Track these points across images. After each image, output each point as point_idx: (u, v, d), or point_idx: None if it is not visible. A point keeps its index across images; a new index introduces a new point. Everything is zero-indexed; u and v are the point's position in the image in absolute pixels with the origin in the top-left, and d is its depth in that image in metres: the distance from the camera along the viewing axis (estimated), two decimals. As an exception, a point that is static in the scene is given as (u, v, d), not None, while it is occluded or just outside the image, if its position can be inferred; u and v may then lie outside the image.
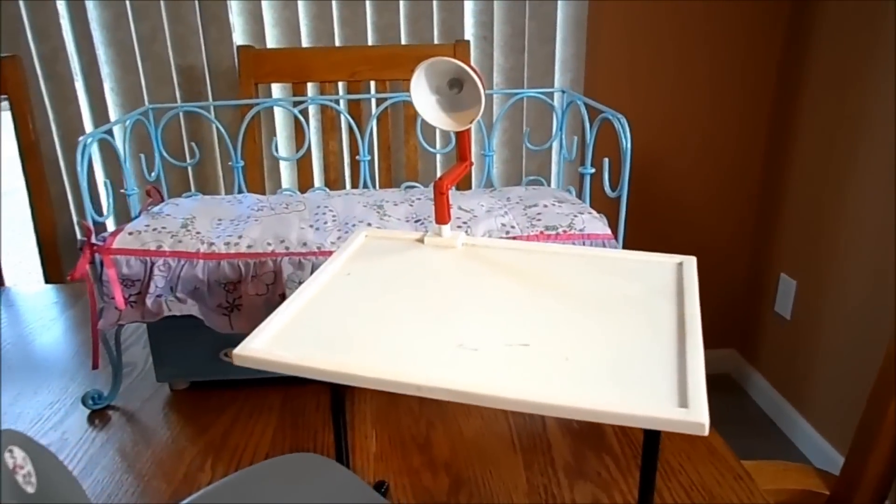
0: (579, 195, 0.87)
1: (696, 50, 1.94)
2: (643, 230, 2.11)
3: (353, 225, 0.75)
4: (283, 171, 1.82)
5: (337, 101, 1.49)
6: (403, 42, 1.74)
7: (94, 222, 0.72)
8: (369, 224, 0.75)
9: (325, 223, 0.76)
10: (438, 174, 1.84)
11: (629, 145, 0.71)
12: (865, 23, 1.68)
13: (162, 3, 1.62)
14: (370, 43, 1.73)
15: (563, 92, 0.91)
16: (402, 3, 1.71)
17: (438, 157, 1.84)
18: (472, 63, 1.76)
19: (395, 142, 1.73)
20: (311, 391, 0.79)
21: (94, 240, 0.71)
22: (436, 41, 1.74)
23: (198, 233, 0.74)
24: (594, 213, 0.78)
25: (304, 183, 1.59)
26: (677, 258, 0.54)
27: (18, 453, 0.29)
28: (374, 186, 1.19)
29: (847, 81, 1.75)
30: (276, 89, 1.73)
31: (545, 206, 0.79)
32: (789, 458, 1.93)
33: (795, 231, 1.99)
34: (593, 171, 0.84)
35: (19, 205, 1.42)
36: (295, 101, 1.12)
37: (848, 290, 1.78)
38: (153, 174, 0.89)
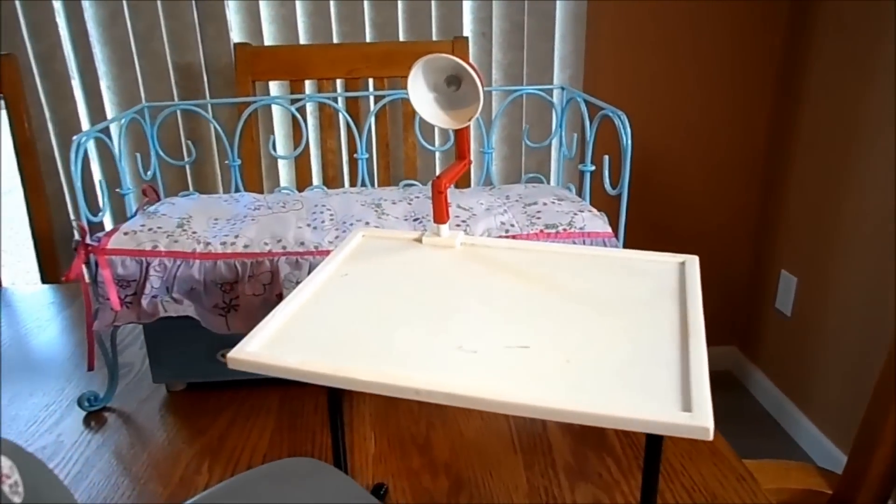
0: (579, 193, 0.86)
1: (696, 46, 1.93)
2: (643, 227, 2.10)
3: (351, 224, 0.74)
4: (282, 169, 1.81)
5: (335, 99, 1.48)
6: (402, 39, 1.73)
7: (90, 222, 0.71)
8: (367, 223, 0.74)
9: (323, 222, 0.75)
10: (437, 172, 1.84)
11: (630, 142, 0.71)
12: (866, 20, 1.67)
13: (158, 0, 1.61)
14: (368, 40, 1.72)
15: (563, 89, 0.91)
16: (400, 0, 1.69)
17: (437, 154, 1.83)
18: (471, 60, 1.75)
19: (394, 139, 1.72)
20: (310, 392, 0.78)
21: (88, 240, 0.70)
22: (434, 38, 1.73)
23: (194, 232, 0.73)
24: (594, 211, 0.77)
25: (303, 181, 1.58)
26: (679, 258, 0.53)
27: (5, 462, 0.29)
28: (372, 184, 1.18)
29: (848, 78, 1.74)
30: (274, 87, 1.72)
31: (545, 204, 0.78)
32: (790, 456, 1.92)
33: (796, 227, 1.98)
34: (593, 168, 0.83)
35: (17, 204, 1.42)
36: (292, 99, 1.12)
37: (849, 286, 1.78)
38: (149, 173, 0.88)
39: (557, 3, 1.75)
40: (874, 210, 1.67)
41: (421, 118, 0.58)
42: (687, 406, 0.35)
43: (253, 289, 0.70)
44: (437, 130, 1.75)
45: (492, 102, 1.78)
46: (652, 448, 0.42)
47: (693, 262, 0.52)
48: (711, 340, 0.42)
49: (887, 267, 1.63)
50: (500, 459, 0.67)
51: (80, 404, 0.77)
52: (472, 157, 0.69)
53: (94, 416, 0.76)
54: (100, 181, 0.80)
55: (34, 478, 0.30)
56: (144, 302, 0.70)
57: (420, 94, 0.56)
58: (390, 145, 1.65)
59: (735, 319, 2.29)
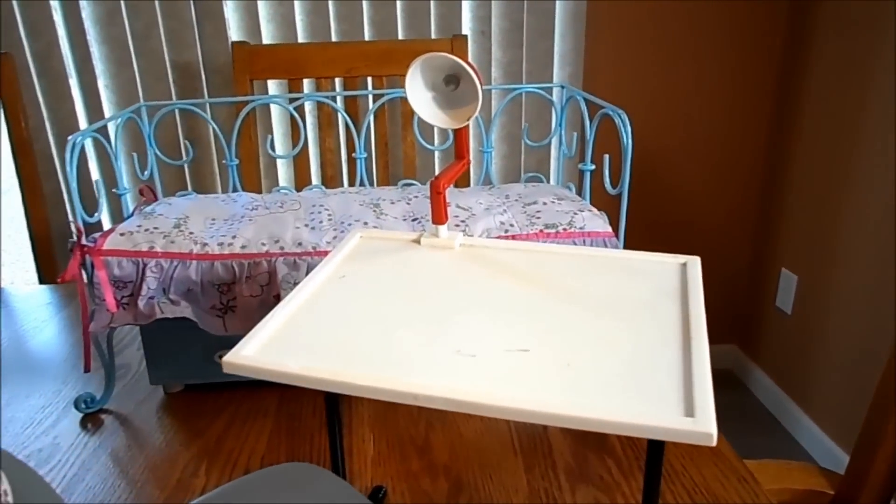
0: (579, 192, 0.85)
1: (696, 45, 1.93)
2: (643, 226, 2.09)
3: (350, 224, 0.73)
4: (280, 168, 1.80)
5: (333, 98, 1.47)
6: (400, 37, 1.72)
7: (86, 222, 0.71)
8: (365, 223, 0.73)
9: (321, 222, 0.75)
10: (437, 171, 1.83)
11: (630, 141, 0.70)
12: (867, 18, 1.66)
13: (156, -2, 1.60)
14: (367, 38, 1.72)
15: (563, 87, 0.90)
16: (398, -2, 1.69)
17: (437, 153, 1.82)
18: (470, 58, 1.74)
19: (393, 138, 1.71)
20: (308, 394, 0.78)
21: (84, 241, 0.69)
22: (433, 36, 1.72)
23: (191, 233, 0.72)
24: (594, 210, 0.76)
25: (301, 180, 1.57)
26: (681, 258, 0.53)
27: (-6, 471, 0.28)
28: (371, 184, 1.17)
29: (849, 76, 1.74)
30: (273, 86, 1.71)
31: (545, 203, 0.78)
32: (790, 454, 1.92)
33: (797, 226, 1.98)
34: (593, 167, 0.82)
35: (16, 202, 1.41)
36: (290, 98, 1.11)
37: (849, 284, 1.77)
38: (146, 173, 0.87)
39: (557, 1, 1.74)
40: (875, 208, 1.66)
41: (419, 117, 0.57)
42: (689, 411, 0.34)
43: (250, 290, 0.69)
44: (436, 129, 1.74)
45: (491, 101, 1.78)
46: (653, 452, 0.42)
47: (695, 263, 0.51)
48: (712, 339, 0.42)
49: (888, 265, 1.62)
50: (500, 461, 0.67)
51: (76, 406, 0.76)
52: (471, 156, 0.68)
53: (91, 418, 0.76)
54: (96, 181, 0.80)
55: (25, 486, 0.29)
56: (141, 303, 0.69)
57: (418, 93, 0.55)
58: (389, 144, 1.65)
59: (735, 318, 2.28)
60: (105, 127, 1.60)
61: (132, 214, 0.79)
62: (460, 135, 0.59)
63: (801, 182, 1.94)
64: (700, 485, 0.63)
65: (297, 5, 1.67)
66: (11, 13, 1.55)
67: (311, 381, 0.38)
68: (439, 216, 0.58)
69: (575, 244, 0.71)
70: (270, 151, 0.95)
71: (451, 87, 0.56)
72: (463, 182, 1.58)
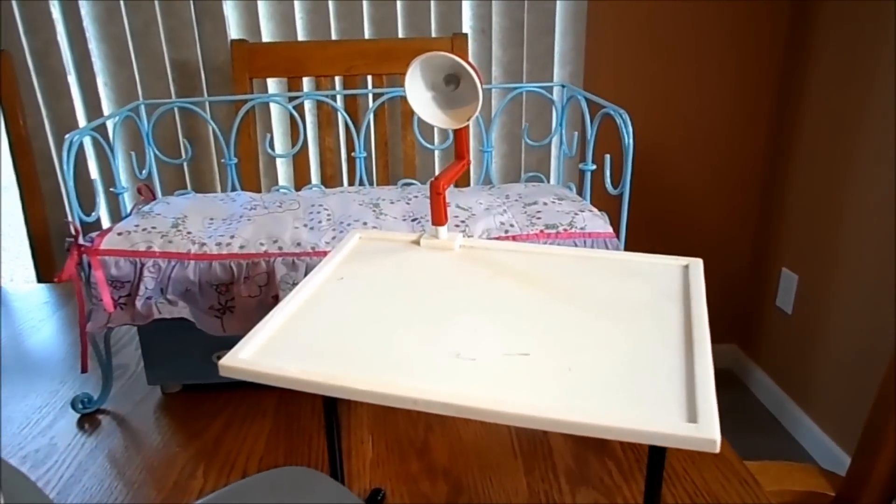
0: (579, 192, 0.85)
1: (696, 44, 1.92)
2: (643, 225, 2.09)
3: (349, 224, 0.73)
4: (280, 167, 1.80)
5: (333, 97, 1.47)
6: (401, 35, 1.72)
7: (83, 222, 0.70)
8: (365, 223, 0.73)
9: (320, 222, 0.74)
10: (437, 170, 1.82)
11: (631, 141, 0.69)
12: (867, 18, 1.66)
13: (155, -4, 1.60)
14: (367, 36, 1.71)
15: (564, 86, 0.89)
16: (399, -4, 1.68)
17: (437, 152, 1.82)
18: (470, 57, 1.74)
19: (393, 137, 1.71)
20: (306, 395, 0.76)
21: (81, 240, 0.69)
22: (433, 34, 1.72)
23: (189, 233, 0.72)
24: (595, 210, 0.76)
25: (301, 180, 1.57)
26: (683, 260, 0.52)
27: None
28: (371, 183, 1.16)
29: (850, 76, 1.73)
30: (272, 84, 1.70)
31: (545, 203, 0.77)
32: (790, 454, 1.92)
33: (797, 225, 1.97)
34: (594, 167, 0.82)
35: (15, 200, 1.40)
36: (290, 97, 1.10)
37: (850, 284, 1.77)
38: (144, 171, 0.87)
39: (558, 0, 1.73)
40: (875, 208, 1.66)
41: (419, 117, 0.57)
42: (692, 417, 0.34)
43: (249, 290, 0.69)
44: (436, 129, 1.74)
45: (491, 100, 1.77)
46: (655, 457, 0.41)
47: (697, 266, 0.51)
48: (712, 338, 0.41)
49: (888, 265, 1.62)
50: (500, 464, 0.66)
51: (73, 406, 0.76)
52: (471, 156, 0.68)
53: (88, 419, 0.75)
54: (94, 180, 0.79)
55: (16, 490, 0.29)
56: (138, 303, 0.69)
57: (418, 93, 0.55)
58: (389, 143, 1.64)
59: (735, 317, 2.28)
60: (104, 125, 1.59)
61: (130, 214, 0.79)
62: (460, 135, 0.59)
63: (802, 181, 1.94)
64: (701, 487, 0.63)
65: (296, 4, 1.67)
66: (10, 11, 1.54)
67: (308, 384, 0.38)
68: (439, 217, 0.57)
69: (575, 245, 0.70)
70: (270, 150, 0.95)
71: (452, 86, 0.55)
72: (463, 182, 1.58)
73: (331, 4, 1.67)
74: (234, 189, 0.89)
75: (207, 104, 1.65)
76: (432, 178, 0.57)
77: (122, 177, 1.66)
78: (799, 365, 2.00)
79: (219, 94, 1.71)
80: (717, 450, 0.32)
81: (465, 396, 0.36)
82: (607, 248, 0.71)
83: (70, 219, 0.69)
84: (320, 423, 0.73)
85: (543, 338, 0.42)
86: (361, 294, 0.49)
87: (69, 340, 0.93)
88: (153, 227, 0.72)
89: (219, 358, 0.75)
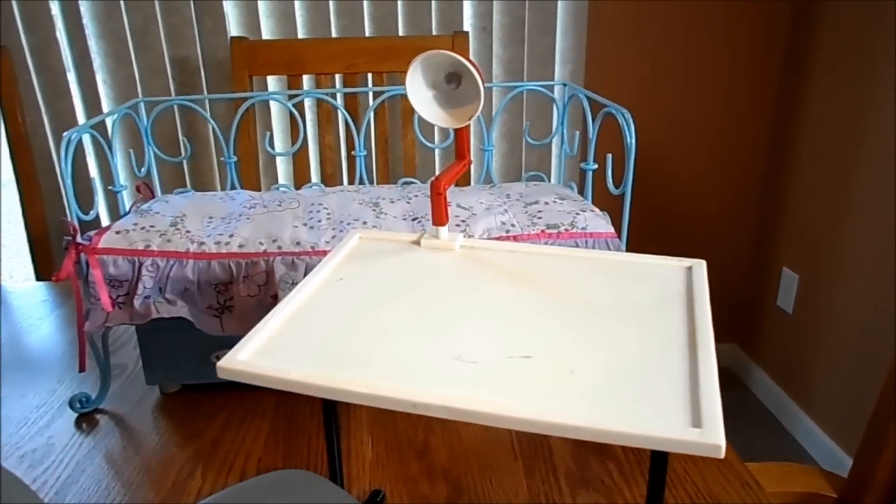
0: (580, 191, 0.84)
1: (697, 43, 1.91)
2: (643, 224, 2.08)
3: (349, 223, 0.72)
4: (279, 165, 1.79)
5: (333, 96, 1.46)
6: (401, 33, 1.71)
7: (81, 220, 0.70)
8: (365, 223, 0.72)
9: (320, 221, 0.74)
10: (437, 168, 1.82)
11: (634, 141, 0.69)
12: (869, 17, 1.65)
13: (155, -7, 1.59)
14: (367, 34, 1.70)
15: (565, 85, 0.89)
16: (399, -6, 1.68)
17: (437, 151, 1.81)
18: (471, 55, 1.73)
19: (393, 136, 1.70)
20: (306, 396, 0.76)
21: (79, 239, 0.68)
22: (434, 32, 1.71)
23: (187, 231, 0.71)
24: (597, 210, 0.75)
25: (301, 178, 1.56)
26: (686, 262, 0.52)
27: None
28: (371, 182, 1.15)
29: (851, 74, 1.73)
30: (272, 82, 1.70)
31: (546, 203, 0.77)
32: (790, 454, 1.91)
33: (798, 225, 1.97)
34: (596, 167, 0.81)
35: (14, 197, 1.40)
36: (290, 95, 1.10)
37: (851, 284, 1.76)
38: (143, 170, 0.86)
39: (559, -2, 1.73)
40: (876, 208, 1.65)
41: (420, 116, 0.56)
42: (697, 422, 0.33)
43: (248, 290, 0.68)
44: (436, 127, 1.73)
45: (492, 98, 1.76)
46: (657, 461, 0.41)
47: (700, 267, 0.50)
48: (712, 337, 0.41)
49: (889, 265, 1.61)
50: (500, 465, 0.66)
51: (71, 406, 0.76)
52: (471, 155, 0.67)
53: (86, 418, 0.75)
54: (93, 178, 0.79)
55: (8, 494, 0.29)
56: (137, 303, 0.68)
57: (419, 92, 0.54)
58: (389, 142, 1.64)
59: (736, 317, 2.27)
60: (104, 123, 1.59)
61: (129, 212, 0.78)
62: (461, 134, 0.58)
63: (803, 181, 1.93)
64: (702, 489, 0.63)
65: (296, 1, 1.66)
66: (9, 8, 1.53)
67: (307, 387, 0.38)
68: (440, 217, 0.57)
69: (577, 245, 0.70)
70: (269, 149, 0.94)
71: (453, 85, 0.55)
72: (463, 181, 1.57)
73: (331, 2, 1.66)
74: (233, 187, 0.89)
75: (207, 102, 1.64)
76: (433, 178, 0.56)
77: (121, 175, 1.66)
78: (799, 365, 2.00)
79: (218, 92, 1.70)
80: (723, 455, 0.31)
81: (465, 400, 0.35)
82: (609, 248, 0.70)
83: (68, 217, 0.69)
84: (319, 423, 0.73)
85: (545, 340, 0.42)
86: (361, 295, 0.49)
87: (67, 339, 0.93)
88: (152, 226, 0.72)
89: (218, 358, 0.75)
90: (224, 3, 1.62)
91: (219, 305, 0.69)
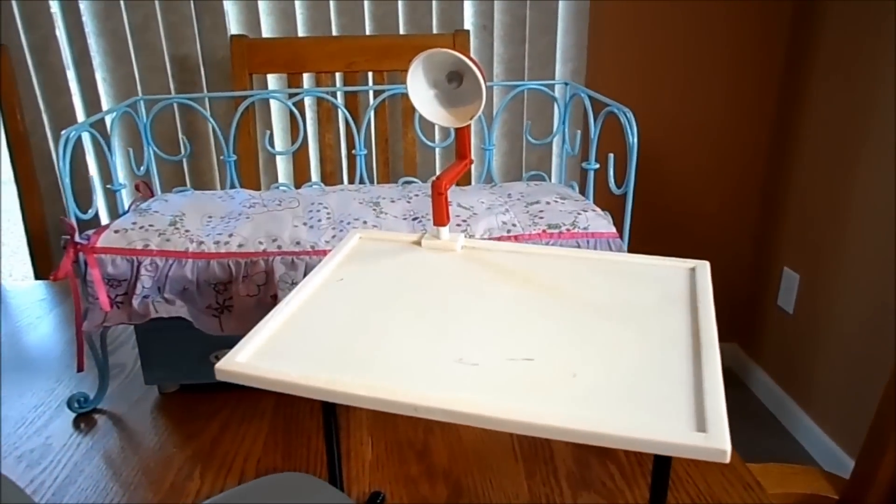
0: (581, 190, 0.84)
1: (698, 41, 1.91)
2: (644, 223, 2.07)
3: (349, 223, 0.72)
4: (279, 164, 1.78)
5: (333, 94, 1.46)
6: (402, 31, 1.70)
7: (79, 219, 0.69)
8: (365, 222, 0.72)
9: (320, 221, 0.73)
10: (437, 167, 1.81)
11: (636, 140, 0.68)
12: (871, 17, 1.65)
13: (154, -9, 1.59)
14: (367, 32, 1.70)
15: (567, 84, 0.88)
16: (400, -8, 1.67)
17: (438, 150, 1.81)
18: (472, 54, 1.73)
19: (393, 135, 1.70)
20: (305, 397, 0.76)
21: (77, 238, 0.68)
22: (434, 31, 1.70)
23: (187, 231, 0.71)
24: (598, 210, 0.75)
25: (301, 177, 1.55)
26: (689, 263, 0.51)
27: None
28: (371, 181, 1.15)
29: (852, 74, 1.72)
30: (272, 80, 1.69)
31: (547, 203, 0.76)
32: (791, 454, 1.91)
33: (799, 224, 1.96)
34: (597, 166, 0.81)
35: (13, 195, 1.39)
36: (290, 94, 1.09)
37: (851, 283, 1.76)
38: (142, 168, 0.86)
39: (560, -4, 1.73)
40: (877, 207, 1.65)
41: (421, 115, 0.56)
42: (701, 426, 0.33)
43: (247, 289, 0.68)
44: (437, 126, 1.72)
45: (493, 98, 1.76)
46: (660, 465, 0.40)
47: (703, 268, 0.50)
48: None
49: (890, 264, 1.61)
50: (501, 466, 0.65)
51: (69, 406, 0.75)
52: (472, 154, 0.66)
53: (84, 419, 0.74)
54: (91, 177, 0.78)
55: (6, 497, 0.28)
56: (135, 302, 0.68)
57: (420, 91, 0.54)
58: (389, 140, 1.63)
59: (736, 316, 2.27)
60: (103, 122, 1.58)
61: (128, 211, 0.78)
62: (462, 134, 0.58)
63: (804, 180, 1.93)
64: (704, 492, 0.62)
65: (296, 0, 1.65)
66: (9, 6, 1.53)
67: (307, 390, 0.37)
68: (441, 217, 0.56)
69: (578, 245, 0.70)
70: (269, 147, 0.94)
71: (454, 84, 0.54)
72: (464, 180, 1.56)
73: (331, 0, 1.66)
74: (233, 186, 0.88)
75: (207, 100, 1.64)
76: (434, 178, 0.56)
77: (120, 174, 1.66)
78: (800, 364, 1.99)
79: (218, 91, 1.70)
80: (728, 460, 0.31)
81: (466, 403, 0.35)
82: (610, 248, 0.70)
83: (66, 216, 0.68)
84: (319, 424, 0.72)
85: (547, 342, 0.41)
86: (361, 296, 0.48)
87: (66, 339, 0.92)
88: (151, 225, 0.71)
89: (217, 358, 0.74)
90: (224, 1, 1.62)
91: (218, 305, 0.69)
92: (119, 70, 1.63)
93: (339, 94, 1.56)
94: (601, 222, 0.72)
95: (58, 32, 1.58)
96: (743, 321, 2.26)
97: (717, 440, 0.32)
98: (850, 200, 1.75)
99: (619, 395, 0.36)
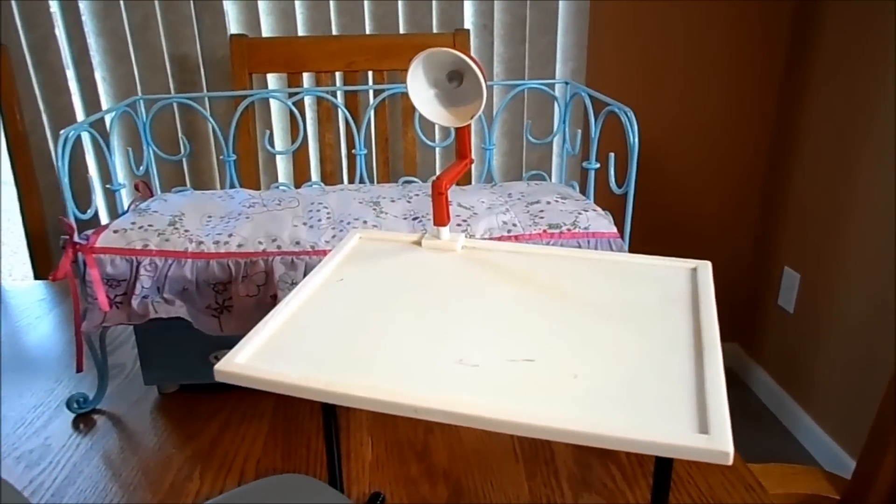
0: (582, 190, 0.84)
1: (698, 41, 1.90)
2: (644, 223, 2.07)
3: (349, 223, 0.72)
4: (279, 164, 1.78)
5: (333, 94, 1.45)
6: (402, 31, 1.70)
7: (78, 219, 0.69)
8: (365, 222, 0.72)
9: (320, 221, 0.73)
10: (438, 167, 1.81)
11: (637, 140, 0.68)
12: (872, 17, 1.64)
13: (154, -10, 1.58)
14: (367, 32, 1.69)
15: (567, 84, 0.88)
16: (400, -8, 1.67)
17: (438, 149, 1.80)
18: (472, 53, 1.72)
19: (393, 134, 1.69)
20: (305, 395, 0.76)
21: (76, 238, 0.67)
22: (434, 30, 1.70)
23: (186, 231, 0.71)
24: (599, 210, 0.75)
25: (301, 176, 1.55)
26: (691, 263, 0.51)
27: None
28: (371, 180, 1.15)
29: (852, 74, 1.72)
30: (272, 80, 1.69)
31: (548, 202, 0.76)
32: (791, 453, 1.91)
33: (799, 224, 1.96)
34: (598, 166, 0.80)
35: (13, 194, 1.39)
36: (290, 93, 1.09)
37: (852, 283, 1.76)
38: (142, 168, 0.86)
39: (560, -4, 1.72)
40: (877, 207, 1.64)
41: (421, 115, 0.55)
42: (704, 427, 0.33)
43: (247, 289, 0.68)
44: (437, 126, 1.72)
45: (493, 97, 1.76)
46: (662, 467, 0.40)
47: (705, 268, 0.50)
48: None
49: (890, 264, 1.60)
50: (501, 467, 0.65)
51: (69, 406, 0.75)
52: (472, 153, 0.66)
53: (84, 419, 0.74)
54: (90, 177, 0.78)
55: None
56: (135, 302, 0.68)
57: (420, 90, 0.53)
58: (389, 140, 1.63)
59: (737, 316, 2.26)
60: (103, 121, 1.58)
61: (127, 211, 0.78)
62: (462, 133, 0.58)
63: (804, 180, 1.92)
64: (706, 492, 0.62)
65: (297, -2, 1.65)
66: (8, 5, 1.52)
67: (306, 391, 0.37)
68: (441, 217, 0.56)
69: (579, 245, 0.69)
70: (269, 147, 0.94)
71: (455, 83, 0.54)
72: (464, 179, 1.56)
73: (331, 0, 1.65)
74: (232, 186, 0.88)
75: (206, 100, 1.64)
76: (434, 178, 0.56)
77: (120, 173, 1.65)
78: (800, 364, 1.99)
79: (218, 90, 1.69)
80: (731, 462, 0.31)
81: (467, 404, 0.35)
82: (611, 248, 0.70)
83: (66, 216, 0.68)
84: (319, 424, 0.72)
85: (548, 343, 0.41)
86: (361, 296, 0.48)
87: (65, 339, 0.92)
88: (150, 225, 0.71)
89: (217, 358, 0.74)
90: (224, 0, 1.61)
91: (217, 305, 0.69)
92: (119, 69, 1.63)
93: (339, 93, 1.56)
94: (602, 222, 0.72)
95: (57, 32, 1.58)
96: (743, 321, 2.26)
97: (720, 442, 0.31)
98: (851, 200, 1.74)
99: (621, 396, 0.36)
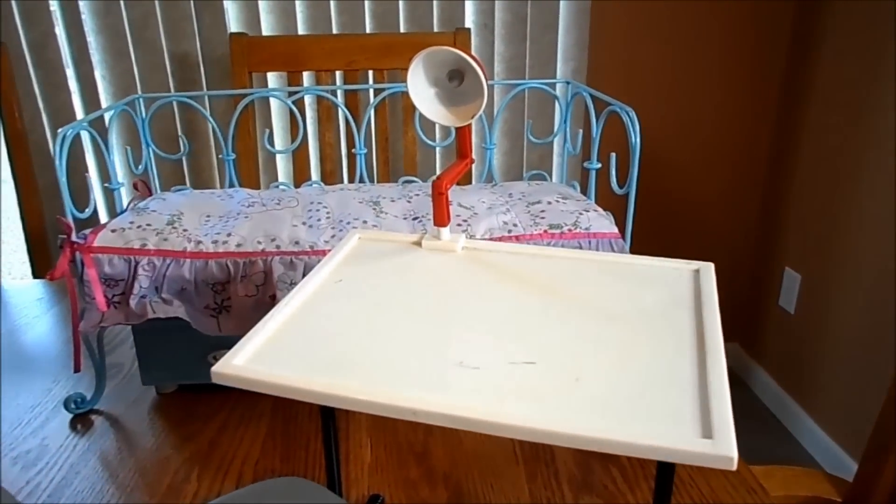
0: (583, 190, 0.83)
1: (700, 41, 1.90)
2: (645, 223, 2.06)
3: (348, 223, 0.71)
4: (279, 163, 1.78)
5: (333, 93, 1.45)
6: (402, 30, 1.70)
7: (76, 218, 0.68)
8: (365, 222, 0.71)
9: (319, 220, 0.73)
10: (438, 166, 1.81)
11: (638, 140, 0.68)
12: (872, 17, 1.64)
13: (154, -12, 1.58)
14: (368, 30, 1.69)
15: (568, 83, 0.88)
16: (400, -10, 1.66)
17: (438, 149, 1.80)
18: (473, 52, 1.72)
19: (393, 133, 1.69)
20: (304, 396, 0.76)
21: (74, 237, 0.67)
22: (435, 29, 1.70)
23: (185, 230, 0.70)
24: (600, 210, 0.74)
25: (300, 175, 1.55)
26: (694, 264, 0.50)
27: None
28: (371, 180, 1.14)
29: (854, 75, 1.72)
30: (272, 79, 1.68)
31: (549, 202, 0.76)
32: (792, 454, 1.90)
33: (801, 224, 1.96)
34: (599, 166, 0.80)
35: (12, 192, 1.39)
36: (289, 92, 1.09)
37: (853, 283, 1.75)
38: (140, 167, 0.85)
39: (561, -5, 1.72)
40: (879, 207, 1.64)
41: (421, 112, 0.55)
42: (707, 432, 0.32)
43: (245, 289, 0.67)
44: (437, 125, 1.72)
45: (493, 96, 1.75)
46: (664, 471, 0.40)
47: (708, 270, 0.49)
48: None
49: (891, 264, 1.60)
50: (502, 469, 0.65)
51: (66, 406, 0.74)
52: (472, 153, 0.66)
53: (81, 419, 0.74)
54: (88, 176, 0.77)
55: None
56: (133, 302, 0.67)
57: (420, 89, 0.53)
58: (390, 139, 1.62)
59: (738, 316, 2.26)
60: (102, 120, 1.57)
61: (125, 210, 0.77)
62: (463, 133, 0.57)
63: (806, 180, 1.92)
64: (708, 495, 0.62)
65: (297, -3, 1.65)
66: (7, 3, 1.52)
67: (305, 393, 0.36)
68: (441, 218, 0.56)
69: (580, 245, 0.69)
70: (269, 146, 0.93)
71: (455, 82, 0.54)
72: (464, 179, 1.55)
73: (332, -2, 1.65)
74: (232, 185, 0.87)
75: (206, 98, 1.63)
76: (434, 178, 0.55)
77: (119, 172, 1.65)
78: (801, 365, 1.99)
79: (218, 89, 1.69)
80: (735, 467, 0.30)
81: (467, 408, 0.34)
82: (612, 248, 0.69)
83: (64, 215, 0.67)
84: (318, 426, 0.72)
85: (550, 345, 0.41)
86: (361, 297, 0.47)
87: (63, 338, 0.92)
88: (148, 225, 0.71)
89: (215, 358, 0.74)
90: (224, -2, 1.61)
91: (216, 305, 0.68)
92: (118, 67, 1.63)
93: (339, 92, 1.55)
94: (603, 222, 0.71)
95: (57, 30, 1.57)
96: (744, 321, 2.26)
97: (724, 447, 0.31)
98: (851, 200, 1.74)
99: (623, 400, 0.35)
